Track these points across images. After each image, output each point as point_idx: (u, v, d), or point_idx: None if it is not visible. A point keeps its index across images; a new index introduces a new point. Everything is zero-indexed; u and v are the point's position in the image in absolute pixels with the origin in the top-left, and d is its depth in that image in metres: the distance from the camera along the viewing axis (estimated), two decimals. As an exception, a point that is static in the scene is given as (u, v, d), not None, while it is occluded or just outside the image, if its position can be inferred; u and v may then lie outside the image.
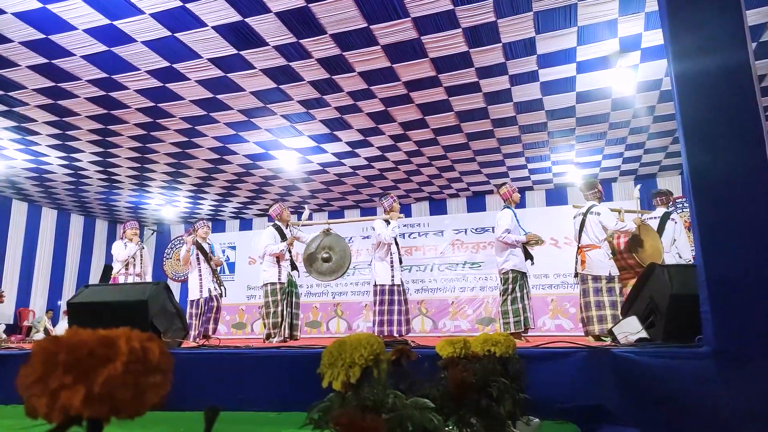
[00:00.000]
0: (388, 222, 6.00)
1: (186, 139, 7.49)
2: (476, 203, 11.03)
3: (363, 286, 11.10)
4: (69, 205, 11.22)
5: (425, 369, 1.18)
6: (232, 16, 4.59)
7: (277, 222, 6.06)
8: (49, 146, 7.68)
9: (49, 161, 8.34)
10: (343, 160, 8.58)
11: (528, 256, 5.74)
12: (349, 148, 8.01)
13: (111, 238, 12.83)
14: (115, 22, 4.65)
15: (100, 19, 4.60)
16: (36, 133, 7.19)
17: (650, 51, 5.30)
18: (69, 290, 11.43)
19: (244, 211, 12.00)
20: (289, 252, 5.99)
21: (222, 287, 6.61)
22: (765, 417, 2.19)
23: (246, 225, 12.65)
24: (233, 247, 12.37)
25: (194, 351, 3.55)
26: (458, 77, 5.80)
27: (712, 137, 2.51)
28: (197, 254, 6.49)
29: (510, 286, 5.58)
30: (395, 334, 5.69)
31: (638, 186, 6.62)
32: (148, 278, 7.29)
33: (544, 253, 10.60)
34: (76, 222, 11.97)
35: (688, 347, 2.51)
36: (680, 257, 5.90)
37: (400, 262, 5.95)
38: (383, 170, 9.14)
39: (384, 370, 0.74)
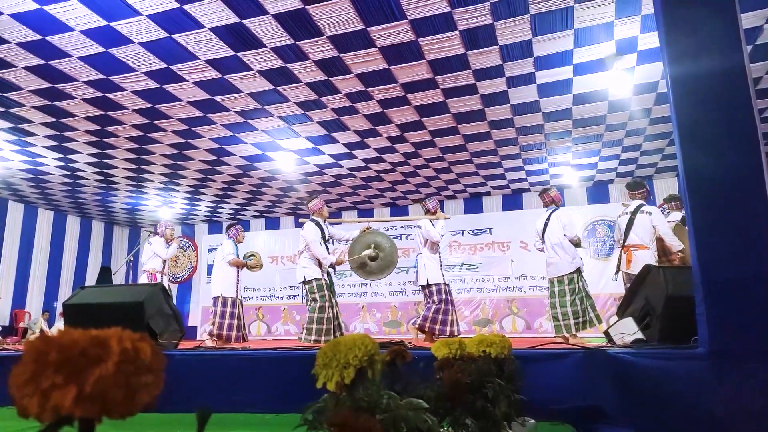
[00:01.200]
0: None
1: (183, 140, 7.48)
2: (473, 205, 11.04)
3: (359, 288, 11.09)
4: (65, 207, 11.19)
5: (420, 370, 1.18)
6: (230, 17, 4.59)
7: (315, 216, 5.74)
8: (46, 147, 7.66)
9: (46, 162, 8.32)
10: (340, 162, 8.58)
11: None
12: (346, 150, 8.01)
13: (108, 239, 12.81)
14: (112, 24, 4.65)
15: (97, 21, 4.60)
16: (32, 134, 7.17)
17: (646, 53, 5.32)
18: (65, 292, 11.40)
19: (241, 212, 11.99)
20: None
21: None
22: (760, 417, 2.20)
23: (243, 226, 12.63)
24: (230, 249, 12.32)
25: (190, 353, 3.55)
26: (455, 79, 5.81)
27: (707, 139, 2.52)
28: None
29: (578, 285, 5.64)
30: (456, 334, 5.63)
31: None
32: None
33: (540, 254, 10.64)
34: (73, 223, 11.94)
35: (684, 348, 2.52)
36: None
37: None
38: (380, 172, 9.14)
39: (378, 371, 0.74)
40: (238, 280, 6.87)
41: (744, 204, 2.41)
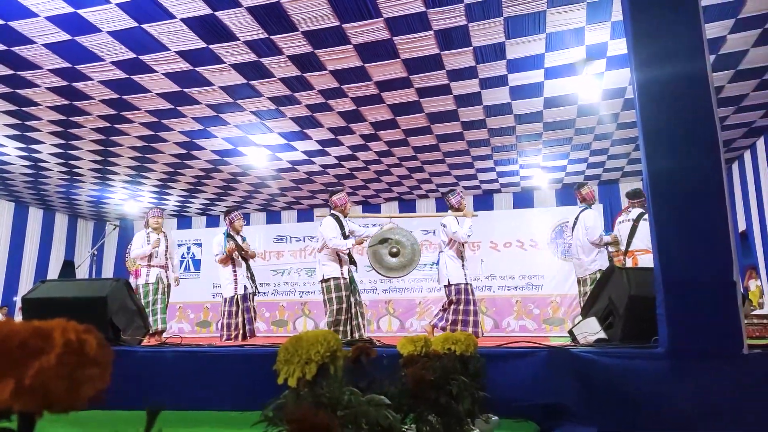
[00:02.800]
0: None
1: (152, 132, 7.32)
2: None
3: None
4: (27, 198, 10.84)
5: (385, 367, 1.18)
6: (202, 8, 4.51)
7: (336, 212, 5.51)
8: (7, 136, 7.40)
9: (7, 152, 8.03)
10: (313, 159, 8.53)
11: None
12: (319, 147, 7.97)
13: (71, 232, 12.46)
14: (79, 11, 4.51)
15: (63, 7, 4.46)
16: (-7, 123, 6.92)
17: (615, 59, 5.43)
18: (26, 286, 11.03)
19: (211, 207, 11.81)
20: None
21: (255, 284, 6.39)
22: (717, 414, 2.27)
23: (213, 222, 12.45)
24: (199, 244, 12.14)
25: (155, 349, 3.48)
26: (429, 79, 5.83)
27: (670, 144, 2.59)
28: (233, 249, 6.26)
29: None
30: (480, 335, 5.52)
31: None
32: (176, 269, 6.73)
33: (510, 254, 10.80)
34: (35, 215, 11.57)
35: (645, 348, 2.58)
36: None
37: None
38: (353, 169, 9.12)
39: (340, 367, 0.73)
40: (235, 275, 6.30)
41: (704, 208, 2.48)
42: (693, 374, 2.36)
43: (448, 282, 5.67)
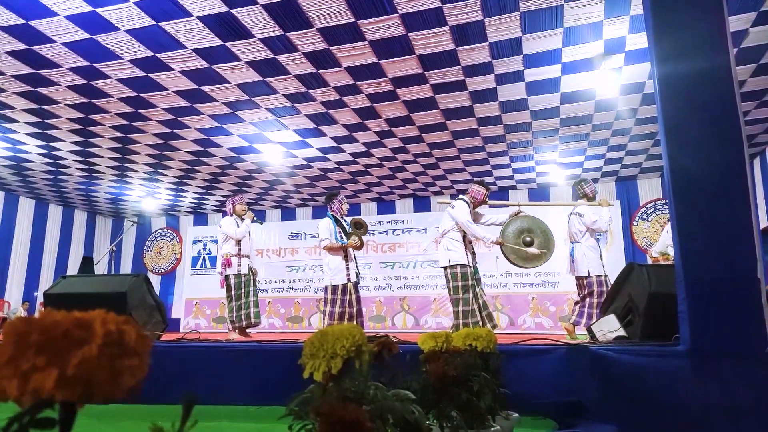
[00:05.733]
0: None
1: (169, 130, 7.39)
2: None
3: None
4: (47, 195, 11.01)
5: (406, 363, 1.18)
6: (218, 6, 4.53)
7: (465, 198, 5.38)
8: (28, 134, 7.52)
9: (28, 150, 8.17)
10: (328, 156, 8.55)
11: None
12: (334, 144, 7.98)
13: (90, 229, 12.64)
14: (98, 10, 4.56)
15: (82, 6, 4.51)
16: (14, 121, 7.03)
17: (634, 54, 5.36)
18: (46, 281, 11.23)
19: (227, 204, 11.89)
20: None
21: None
22: (738, 414, 2.24)
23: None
24: (215, 241, 12.24)
25: (173, 344, 3.52)
26: (444, 75, 5.80)
27: (692, 139, 2.55)
28: (340, 233, 5.71)
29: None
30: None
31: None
32: (255, 259, 6.46)
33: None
34: (55, 212, 11.76)
35: (665, 345, 2.55)
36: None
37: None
38: (368, 166, 9.12)
39: (366, 362, 0.73)
40: (347, 261, 5.66)
41: (727, 204, 2.44)
42: (715, 373, 2.32)
43: (588, 273, 5.39)
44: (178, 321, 11.76)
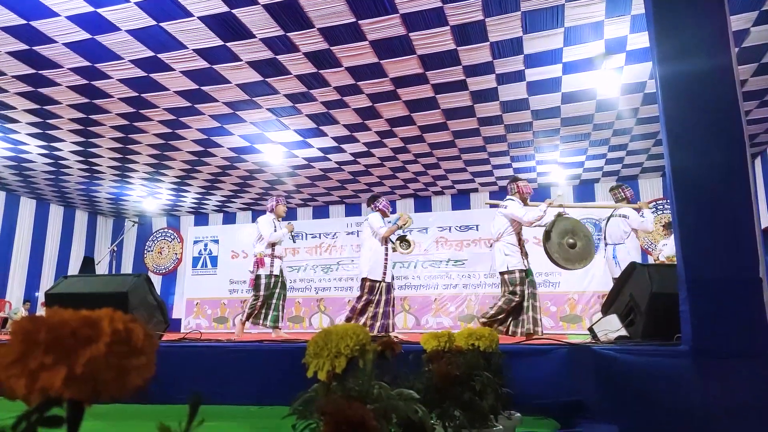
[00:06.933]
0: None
1: (169, 130, 7.39)
2: (461, 201, 11.07)
3: (346, 282, 11.09)
4: (48, 195, 11.02)
5: (409, 363, 1.18)
6: (219, 6, 4.53)
7: (517, 198, 5.42)
8: (29, 135, 7.53)
9: (29, 150, 8.17)
10: (329, 156, 8.55)
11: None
12: (335, 144, 7.98)
13: (91, 229, 12.65)
14: (98, 10, 4.57)
15: (83, 6, 4.51)
16: (15, 121, 7.04)
17: (635, 53, 5.36)
18: (47, 281, 11.24)
19: (227, 204, 11.90)
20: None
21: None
22: (740, 414, 2.23)
23: (230, 219, 12.55)
24: (216, 241, 12.26)
25: (175, 344, 3.52)
26: (445, 75, 5.80)
27: (694, 139, 2.54)
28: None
29: None
30: None
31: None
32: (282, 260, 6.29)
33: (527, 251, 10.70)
34: (56, 212, 11.77)
35: (667, 345, 2.55)
36: None
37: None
38: (369, 166, 9.13)
39: (370, 361, 0.73)
40: (386, 259, 5.72)
41: (729, 204, 2.44)
42: (717, 373, 2.32)
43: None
44: (179, 321, 11.77)
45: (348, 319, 5.58)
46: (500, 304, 5.01)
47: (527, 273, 5.14)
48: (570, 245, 5.19)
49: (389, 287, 5.71)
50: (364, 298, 5.59)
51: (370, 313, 5.54)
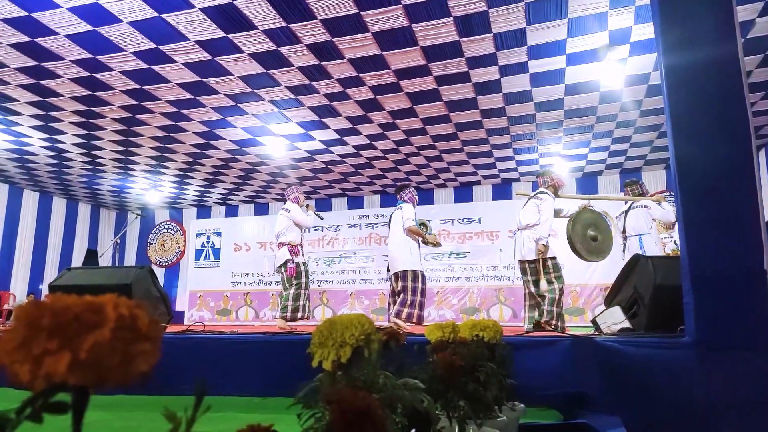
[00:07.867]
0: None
1: (172, 123, 7.38)
2: (463, 194, 11.06)
3: (348, 275, 11.10)
4: (51, 188, 11.04)
5: (413, 353, 1.18)
6: (221, -3, 4.51)
7: (549, 190, 5.53)
8: (31, 127, 7.52)
9: (31, 143, 8.18)
10: (331, 148, 8.53)
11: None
12: (337, 136, 7.96)
13: (94, 221, 12.67)
14: (100, 2, 4.54)
15: (84, -3, 4.50)
16: (18, 114, 7.03)
17: (639, 45, 5.32)
18: (51, 274, 11.28)
19: (230, 197, 11.90)
20: None
21: None
22: (743, 406, 2.23)
23: (232, 211, 12.56)
24: (219, 234, 12.28)
25: (178, 336, 3.53)
26: (448, 66, 5.77)
27: (699, 131, 2.53)
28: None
29: None
30: None
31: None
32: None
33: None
34: (59, 205, 11.79)
35: (670, 337, 2.55)
36: None
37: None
38: (371, 159, 9.11)
39: (375, 350, 0.73)
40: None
41: (733, 196, 2.42)
42: (720, 365, 2.32)
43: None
44: (182, 313, 11.81)
45: (419, 318, 5.65)
46: (550, 298, 5.03)
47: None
48: (592, 237, 5.30)
49: (424, 277, 5.80)
50: (420, 290, 5.63)
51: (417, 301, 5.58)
